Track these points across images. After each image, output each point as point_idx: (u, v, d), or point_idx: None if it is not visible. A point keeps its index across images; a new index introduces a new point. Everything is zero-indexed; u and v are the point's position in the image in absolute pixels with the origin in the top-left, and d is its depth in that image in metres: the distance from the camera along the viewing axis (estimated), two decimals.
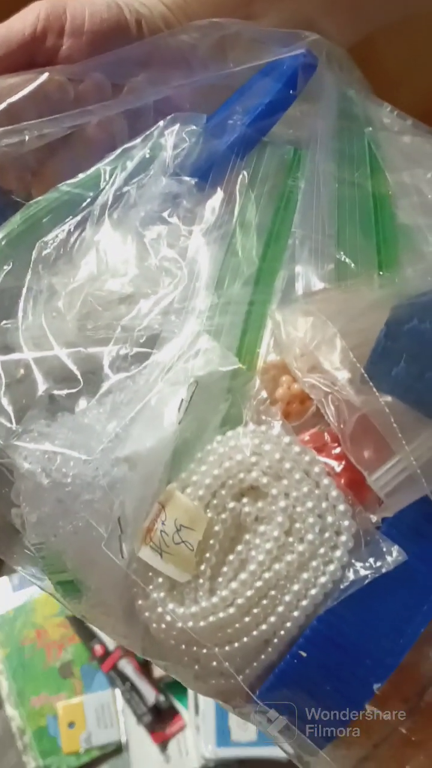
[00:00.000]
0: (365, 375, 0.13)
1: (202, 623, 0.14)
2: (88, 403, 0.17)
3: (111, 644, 0.70)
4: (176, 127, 0.21)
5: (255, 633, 0.13)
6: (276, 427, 0.14)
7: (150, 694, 0.64)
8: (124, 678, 0.67)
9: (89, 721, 0.64)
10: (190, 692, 0.62)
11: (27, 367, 0.18)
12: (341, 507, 0.13)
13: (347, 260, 0.18)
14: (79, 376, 0.17)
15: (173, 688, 0.65)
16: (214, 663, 0.14)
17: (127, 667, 0.67)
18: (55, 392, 0.17)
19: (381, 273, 0.17)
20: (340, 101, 0.23)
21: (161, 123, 0.21)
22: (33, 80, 0.21)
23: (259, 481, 0.14)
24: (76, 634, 0.70)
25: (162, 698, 0.64)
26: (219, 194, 0.20)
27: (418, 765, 0.13)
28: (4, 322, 0.17)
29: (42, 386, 0.17)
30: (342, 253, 0.18)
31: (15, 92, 0.21)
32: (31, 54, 0.22)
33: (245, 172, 0.21)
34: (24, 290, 0.18)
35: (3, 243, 0.19)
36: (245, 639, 0.13)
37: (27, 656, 0.70)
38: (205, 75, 0.23)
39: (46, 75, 0.21)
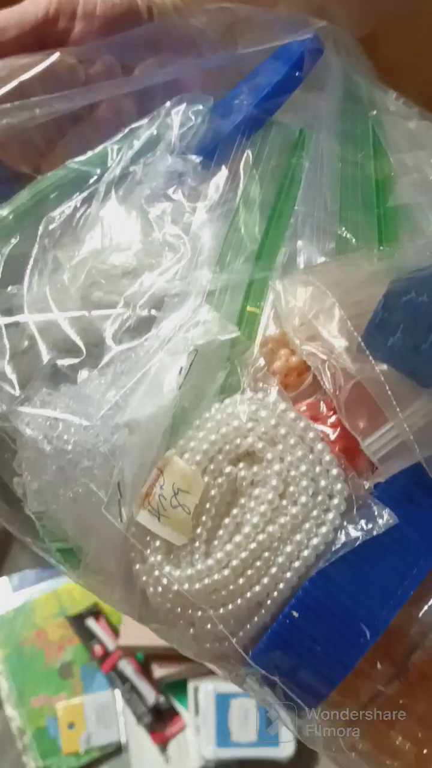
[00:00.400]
0: (362, 344, 0.14)
1: (197, 585, 0.15)
2: (89, 374, 0.18)
3: (111, 645, 0.71)
4: (183, 106, 0.22)
5: (249, 595, 0.14)
6: (272, 394, 0.15)
7: (150, 695, 0.65)
8: (123, 678, 0.68)
9: (89, 722, 0.65)
10: (190, 693, 0.63)
11: (31, 338, 0.19)
12: (334, 471, 0.14)
13: (348, 236, 0.18)
14: (82, 347, 0.18)
15: (173, 688, 0.66)
16: (209, 626, 0.15)
17: (127, 667, 0.68)
18: (59, 362, 0.18)
19: (381, 248, 0.18)
20: (346, 85, 0.24)
21: (168, 103, 0.22)
22: (44, 60, 0.22)
23: (254, 446, 0.14)
24: (76, 635, 0.71)
25: (162, 699, 0.65)
26: (223, 172, 0.21)
27: (405, 728, 0.14)
28: (10, 287, 0.18)
29: (45, 356, 0.18)
30: (343, 228, 0.19)
31: (26, 71, 0.22)
32: (42, 36, 0.23)
33: (250, 151, 0.21)
34: (30, 262, 0.19)
35: (10, 217, 0.20)
36: (239, 601, 0.14)
37: (27, 657, 0.71)
38: (215, 58, 0.24)
39: (57, 54, 0.22)
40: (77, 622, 0.76)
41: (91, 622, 0.75)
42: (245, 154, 0.22)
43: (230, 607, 0.14)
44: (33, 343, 0.19)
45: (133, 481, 0.16)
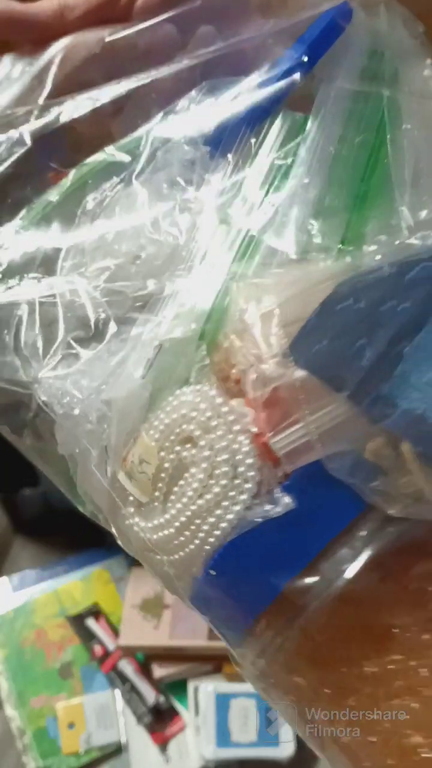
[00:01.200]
0: (287, 350, 0.23)
1: (155, 536, 0.25)
2: (93, 351, 0.28)
3: (111, 645, 0.87)
4: (199, 95, 0.32)
5: (187, 550, 0.25)
6: (212, 388, 0.24)
7: (150, 695, 0.81)
8: (123, 679, 0.84)
9: (89, 722, 0.82)
10: (190, 693, 0.77)
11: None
12: (250, 460, 0.23)
13: (315, 232, 0.27)
14: (92, 324, 0.28)
15: (173, 688, 0.81)
16: (165, 568, 0.25)
17: (127, 667, 0.84)
18: (70, 338, 0.29)
19: (342, 246, 0.26)
20: (367, 62, 0.31)
21: (194, 90, 0.32)
22: (106, 36, 0.33)
23: (193, 432, 0.24)
24: (76, 635, 0.88)
25: (162, 699, 0.80)
26: (226, 163, 0.30)
27: (299, 671, 0.24)
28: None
29: (62, 333, 0.29)
30: (314, 223, 0.27)
31: (89, 46, 0.32)
32: (107, 12, 0.33)
33: (253, 141, 0.30)
34: (64, 249, 0.30)
35: (55, 201, 0.31)
36: (181, 554, 0.25)
37: (27, 657, 0.89)
38: (264, 27, 0.33)
39: (106, 33, 0.33)
40: (77, 622, 0.93)
41: (91, 622, 0.92)
42: (248, 144, 0.30)
43: (175, 557, 0.25)
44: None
45: (115, 446, 0.26)
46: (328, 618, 0.22)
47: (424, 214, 0.26)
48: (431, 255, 0.24)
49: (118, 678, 0.84)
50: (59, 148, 0.34)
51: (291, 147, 0.30)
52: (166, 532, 0.25)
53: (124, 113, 0.34)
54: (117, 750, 0.81)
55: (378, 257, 0.24)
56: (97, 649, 0.88)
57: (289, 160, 0.30)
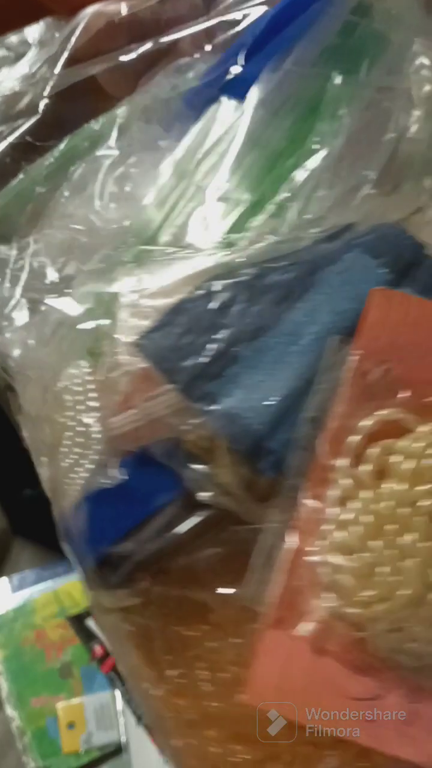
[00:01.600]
0: (135, 341, 0.33)
1: (49, 485, 0.39)
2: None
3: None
4: (162, 78, 0.45)
5: (64, 499, 0.37)
6: (88, 366, 0.36)
7: None
8: (124, 679, 0.98)
9: (89, 722, 1.00)
10: None
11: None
12: (98, 436, 0.35)
13: (208, 224, 0.36)
14: (48, 283, 0.41)
15: None
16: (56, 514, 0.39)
17: None
18: (25, 299, 0.42)
19: (222, 240, 0.35)
20: (337, 37, 0.39)
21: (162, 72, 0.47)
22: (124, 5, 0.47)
23: (68, 403, 0.36)
24: (76, 635, 1.05)
25: None
26: (171, 146, 0.42)
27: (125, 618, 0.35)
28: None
29: (19, 290, 0.42)
30: (210, 214, 0.37)
31: (115, 16, 0.46)
32: None
33: (194, 126, 0.41)
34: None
35: (51, 167, 0.45)
36: (64, 501, 0.37)
37: (27, 657, 1.07)
38: None
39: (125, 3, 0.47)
40: (77, 622, 1.11)
41: (91, 622, 1.08)
42: (188, 129, 0.42)
43: (63, 503, 0.38)
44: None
45: (33, 403, 0.39)
46: (151, 583, 0.33)
47: (310, 215, 0.35)
48: (293, 261, 0.33)
49: (118, 678, 1.00)
50: (75, 114, 0.46)
51: (225, 133, 0.40)
52: (51, 485, 0.38)
53: (147, 76, 0.45)
54: (117, 750, 0.97)
55: (242, 259, 0.34)
56: (97, 649, 1.04)
57: (221, 146, 0.40)
